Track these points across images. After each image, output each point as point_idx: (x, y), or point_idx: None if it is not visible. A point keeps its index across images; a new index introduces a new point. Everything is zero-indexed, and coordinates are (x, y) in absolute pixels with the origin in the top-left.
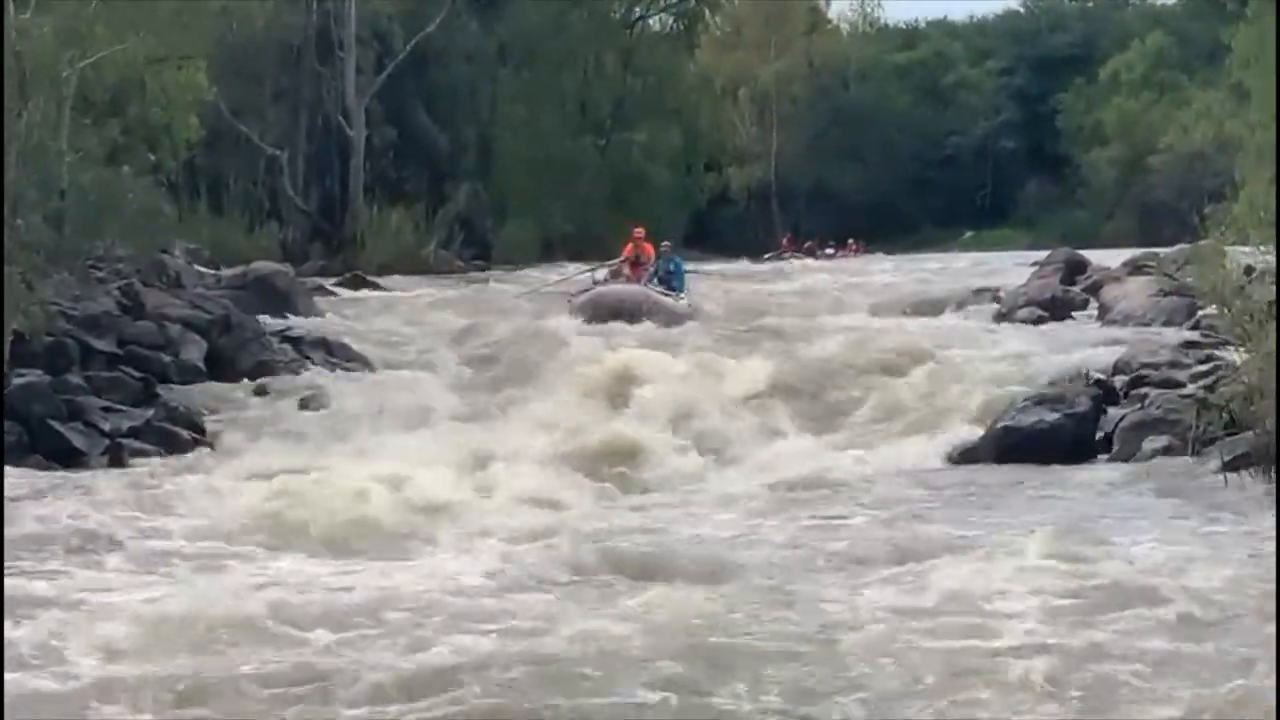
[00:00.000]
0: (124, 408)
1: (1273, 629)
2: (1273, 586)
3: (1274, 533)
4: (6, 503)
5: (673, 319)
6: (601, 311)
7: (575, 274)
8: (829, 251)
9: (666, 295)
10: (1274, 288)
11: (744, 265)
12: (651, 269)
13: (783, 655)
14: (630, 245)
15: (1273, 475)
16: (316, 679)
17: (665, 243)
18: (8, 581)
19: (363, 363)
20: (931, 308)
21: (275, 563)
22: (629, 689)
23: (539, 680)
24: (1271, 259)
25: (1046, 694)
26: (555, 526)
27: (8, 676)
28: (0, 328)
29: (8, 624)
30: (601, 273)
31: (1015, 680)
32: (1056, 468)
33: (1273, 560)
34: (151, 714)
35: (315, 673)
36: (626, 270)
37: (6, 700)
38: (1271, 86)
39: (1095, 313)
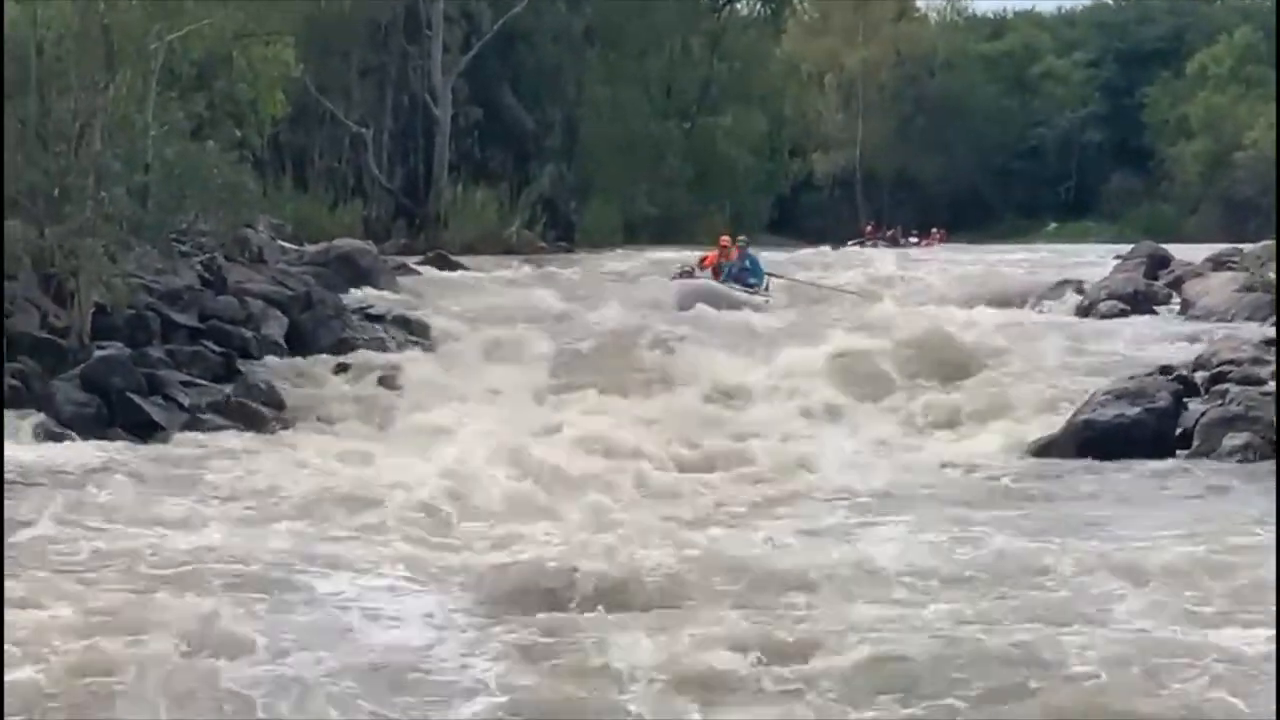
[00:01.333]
0: (204, 382)
1: None
2: None
3: None
4: (81, 471)
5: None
6: (691, 299)
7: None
8: (912, 240)
9: (745, 290)
10: None
11: (824, 252)
12: (729, 265)
13: (870, 655)
14: (715, 254)
15: None
16: (400, 664)
17: (741, 237)
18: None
19: (444, 342)
20: (1014, 299)
21: (349, 541)
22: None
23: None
24: None
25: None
26: (619, 519)
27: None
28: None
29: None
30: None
31: (1090, 686)
32: (1135, 462)
33: None
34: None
35: (400, 657)
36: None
37: (7, 702)
38: None
39: (1177, 307)
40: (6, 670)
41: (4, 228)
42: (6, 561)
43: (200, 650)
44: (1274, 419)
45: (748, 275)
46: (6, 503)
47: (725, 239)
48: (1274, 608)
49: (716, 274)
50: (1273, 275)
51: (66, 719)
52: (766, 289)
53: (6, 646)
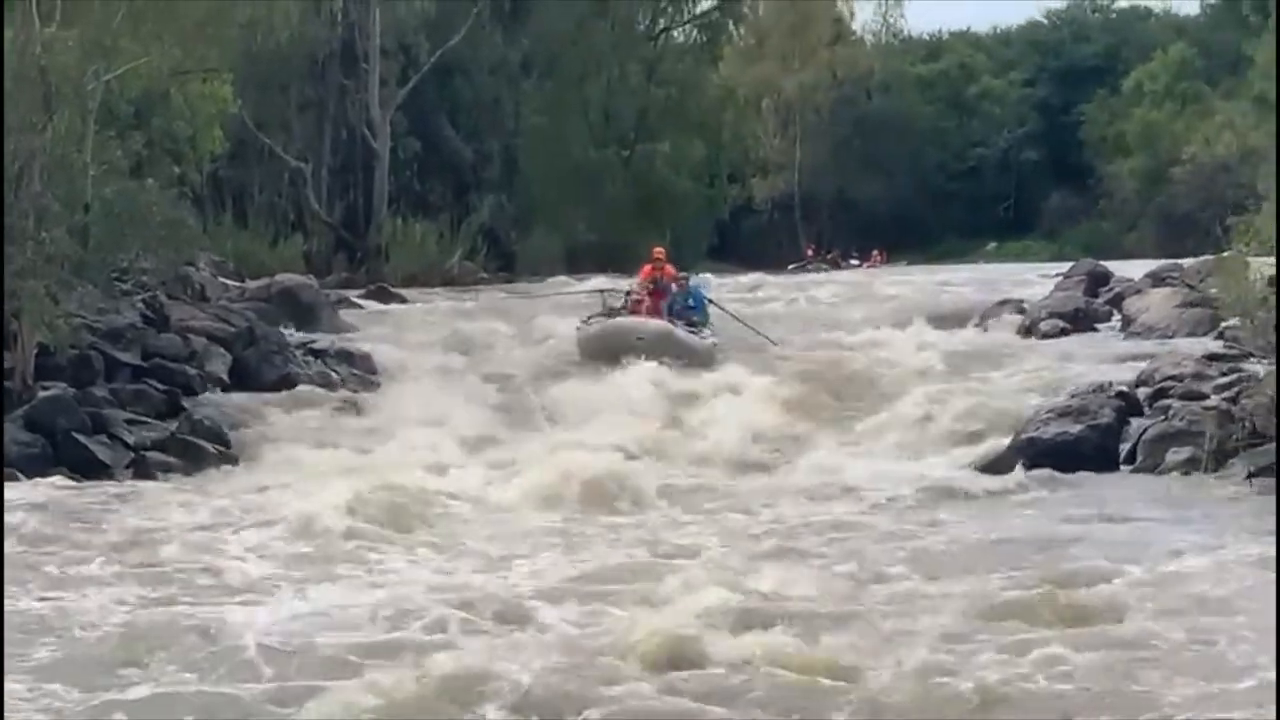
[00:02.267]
0: (149, 420)
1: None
2: None
3: None
4: (30, 513)
5: (695, 359)
6: (612, 347)
7: (593, 289)
8: (853, 262)
9: (689, 331)
10: None
11: (763, 277)
12: (670, 298)
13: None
14: (649, 267)
15: None
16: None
17: (683, 275)
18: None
19: (387, 374)
20: (955, 320)
21: (294, 572)
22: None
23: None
24: None
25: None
26: (568, 539)
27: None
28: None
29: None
30: (616, 298)
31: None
32: (1080, 477)
33: None
34: None
35: (348, 676)
36: (645, 298)
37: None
38: None
39: (1118, 324)
40: None
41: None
42: None
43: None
44: (1217, 434)
45: (692, 313)
46: None
47: (659, 250)
48: (1275, 615)
49: (656, 309)
50: (1213, 290)
51: None
52: (708, 326)
53: None
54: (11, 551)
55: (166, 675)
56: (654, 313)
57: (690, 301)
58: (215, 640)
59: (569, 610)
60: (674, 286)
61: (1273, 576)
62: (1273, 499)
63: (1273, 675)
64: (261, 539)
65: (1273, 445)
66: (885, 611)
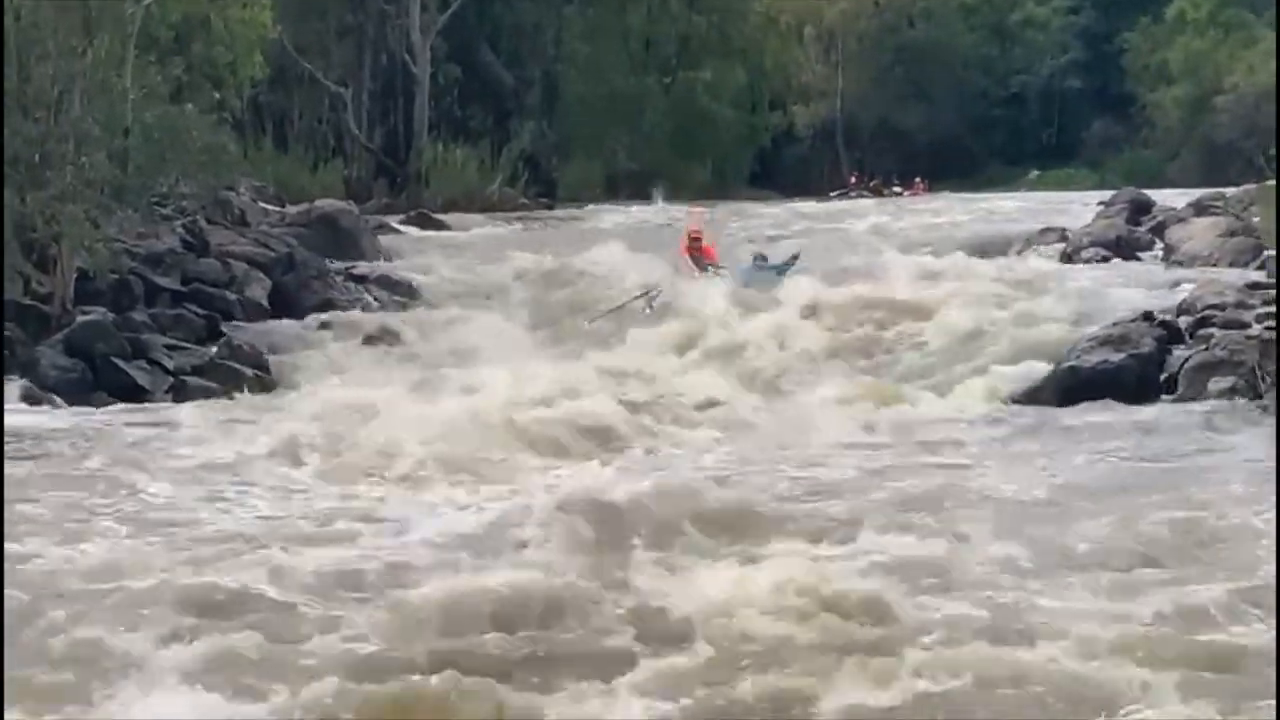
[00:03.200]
0: (188, 345)
1: None
2: None
3: None
4: (70, 437)
5: None
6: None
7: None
8: (896, 189)
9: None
10: None
11: (810, 205)
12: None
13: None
14: (686, 249)
15: None
16: (376, 613)
17: (758, 254)
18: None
19: (426, 300)
20: (997, 247)
21: (333, 499)
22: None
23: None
24: None
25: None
26: (605, 468)
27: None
28: None
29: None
30: (658, 296)
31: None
32: (1120, 407)
33: None
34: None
35: (376, 607)
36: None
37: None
38: None
39: (1161, 253)
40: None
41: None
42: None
43: (192, 607)
44: (1258, 363)
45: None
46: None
47: (695, 229)
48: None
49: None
50: (1255, 219)
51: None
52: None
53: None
54: (49, 476)
55: (208, 603)
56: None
57: (771, 274)
58: (223, 560)
59: (581, 539)
60: (713, 260)
61: None
62: None
63: None
64: (297, 464)
65: None
66: (917, 550)
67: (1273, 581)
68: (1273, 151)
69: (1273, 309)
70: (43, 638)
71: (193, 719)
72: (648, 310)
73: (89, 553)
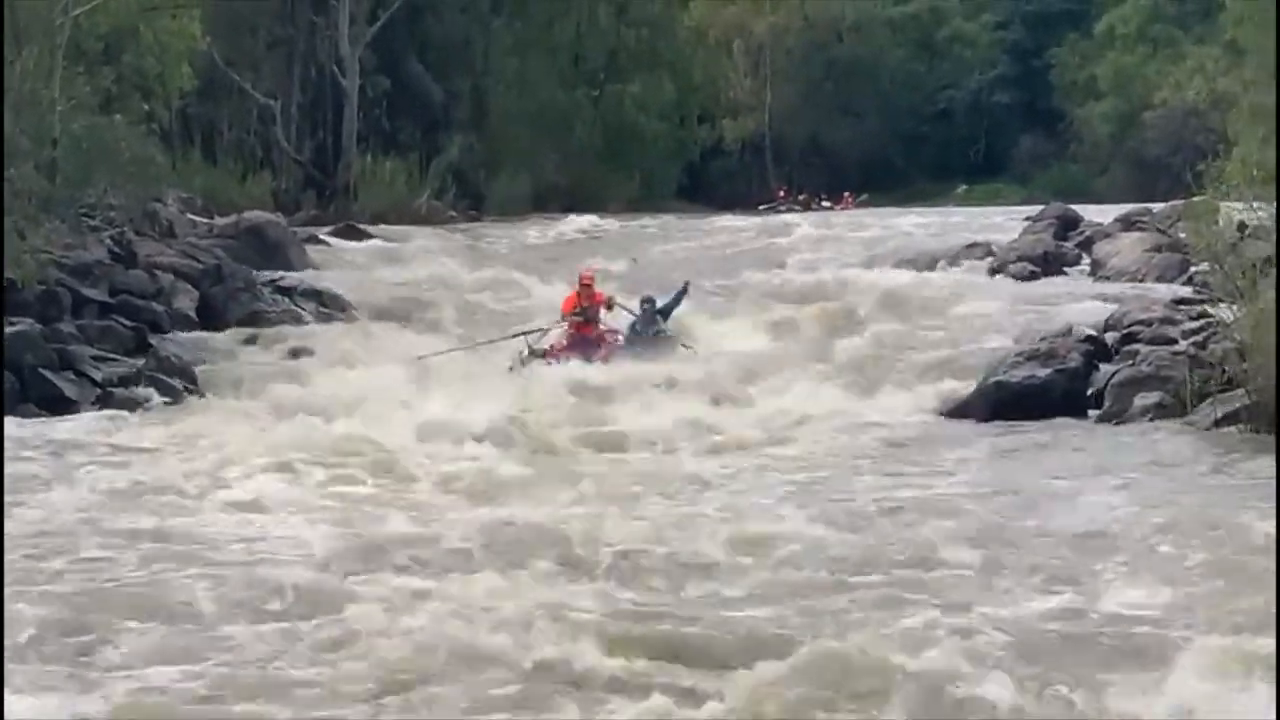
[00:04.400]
0: (116, 356)
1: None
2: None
3: (1273, 490)
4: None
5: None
6: None
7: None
8: (824, 204)
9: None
10: (1266, 244)
11: (732, 220)
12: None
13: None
14: (574, 295)
15: (1266, 430)
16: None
17: (647, 295)
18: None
19: (353, 313)
20: (924, 262)
21: (261, 509)
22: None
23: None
24: (1264, 215)
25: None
26: (529, 479)
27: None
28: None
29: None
30: (543, 338)
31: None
32: (1047, 423)
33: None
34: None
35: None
36: (571, 336)
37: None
38: (1268, 45)
39: (1088, 268)
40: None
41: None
42: None
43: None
44: (1186, 379)
45: (658, 326)
46: None
47: (588, 275)
48: (1274, 586)
49: (595, 341)
50: (1182, 234)
51: None
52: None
53: None
54: None
55: (131, 609)
56: (586, 348)
57: (658, 320)
58: (173, 571)
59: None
60: (603, 311)
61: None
62: (1242, 446)
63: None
64: (223, 475)
65: (1239, 392)
66: (824, 564)
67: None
68: (1200, 168)
69: (1199, 325)
70: None
71: None
72: (524, 352)
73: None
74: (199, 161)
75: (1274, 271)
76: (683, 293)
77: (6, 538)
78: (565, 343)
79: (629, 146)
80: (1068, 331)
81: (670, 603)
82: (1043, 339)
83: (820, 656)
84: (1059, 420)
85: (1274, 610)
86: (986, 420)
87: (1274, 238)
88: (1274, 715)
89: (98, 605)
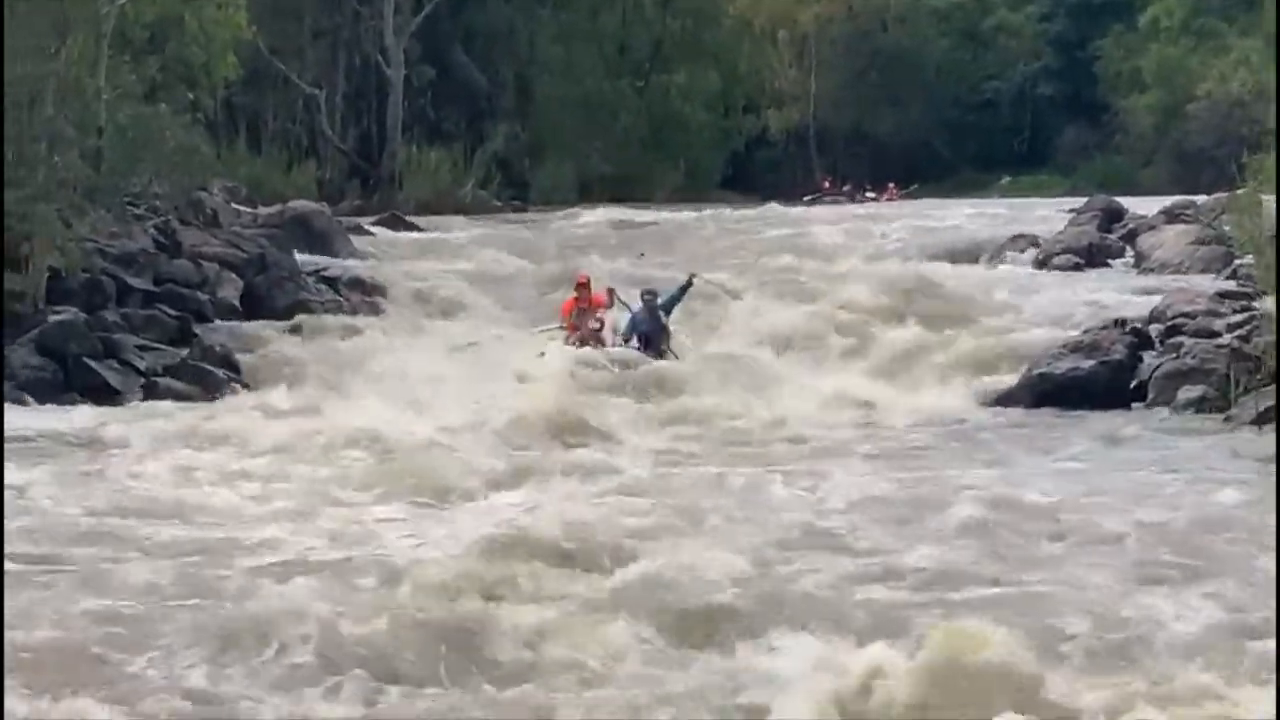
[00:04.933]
0: (160, 346)
1: None
2: None
3: None
4: (41, 438)
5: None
6: None
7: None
8: (868, 194)
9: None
10: None
11: (777, 208)
12: (634, 321)
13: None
14: (572, 299)
15: None
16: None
17: (649, 290)
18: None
19: (398, 302)
20: (968, 254)
21: (305, 500)
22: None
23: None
24: None
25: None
26: (586, 467)
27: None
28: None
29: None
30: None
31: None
32: (1090, 415)
33: None
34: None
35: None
36: (573, 338)
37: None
38: None
39: (1132, 260)
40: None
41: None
42: None
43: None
44: (1228, 372)
45: (659, 328)
46: None
47: (584, 275)
48: (1275, 569)
49: (585, 334)
50: (1226, 227)
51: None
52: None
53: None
54: (24, 477)
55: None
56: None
57: (660, 316)
58: (207, 563)
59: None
60: (601, 315)
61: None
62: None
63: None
64: (267, 465)
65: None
66: (875, 550)
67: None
68: (1244, 160)
69: (1243, 318)
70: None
71: None
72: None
73: (50, 553)
74: (244, 151)
75: None
76: (687, 286)
77: (41, 531)
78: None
79: (674, 136)
80: (1111, 324)
81: (729, 598)
82: (1086, 331)
83: (883, 645)
84: (1102, 412)
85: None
86: (1030, 411)
87: None
88: (1274, 715)
89: (141, 593)
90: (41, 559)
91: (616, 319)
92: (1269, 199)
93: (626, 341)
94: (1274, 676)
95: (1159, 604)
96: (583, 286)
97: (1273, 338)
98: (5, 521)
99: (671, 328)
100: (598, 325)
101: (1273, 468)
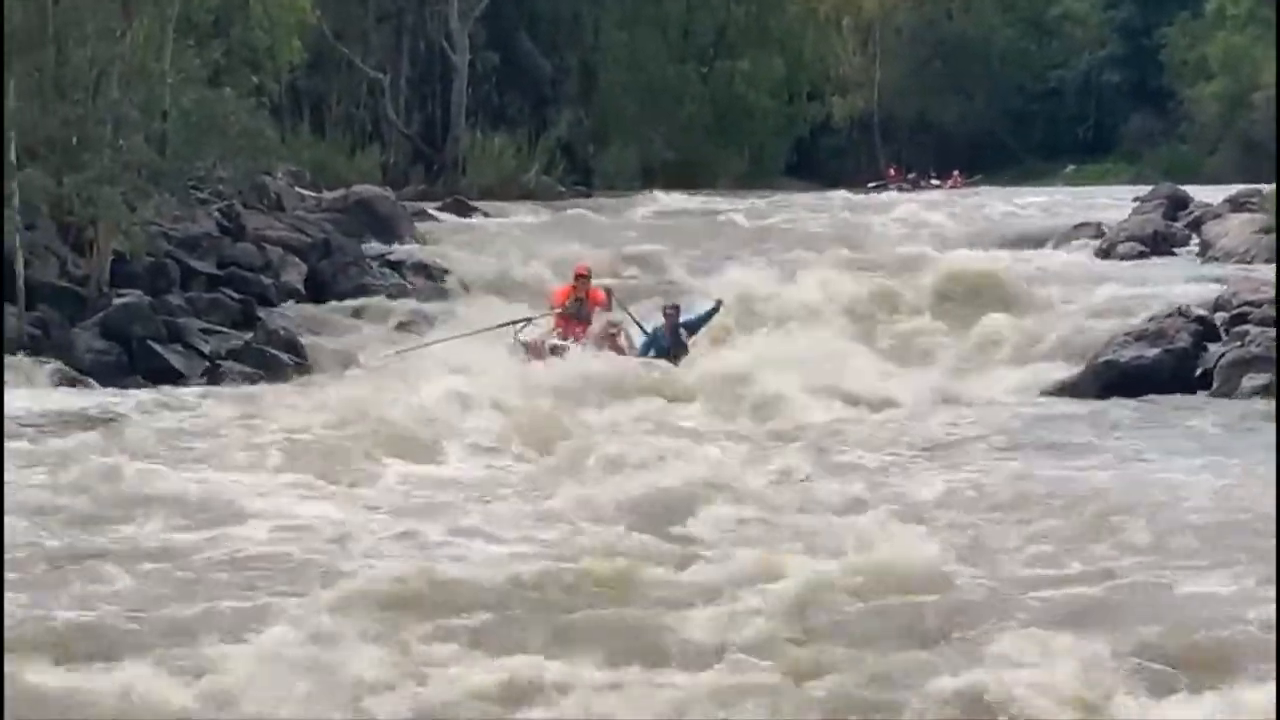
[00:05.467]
0: (224, 329)
1: None
2: None
3: None
4: (108, 418)
5: None
6: None
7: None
8: (933, 182)
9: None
10: None
11: (849, 195)
12: (651, 338)
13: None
14: (567, 287)
15: None
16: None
17: (672, 306)
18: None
19: (461, 287)
20: (1033, 242)
21: (366, 485)
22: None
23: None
24: None
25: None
26: (650, 453)
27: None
28: None
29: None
30: (532, 331)
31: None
32: (1155, 402)
33: None
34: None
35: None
36: (555, 329)
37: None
38: None
39: (1197, 249)
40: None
41: (19, 181)
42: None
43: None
44: None
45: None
46: (30, 447)
47: (583, 266)
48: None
49: (577, 331)
50: None
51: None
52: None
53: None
54: (87, 458)
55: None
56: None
57: (680, 334)
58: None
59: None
60: (604, 314)
61: None
62: None
63: None
64: (329, 448)
65: None
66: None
67: None
68: None
69: None
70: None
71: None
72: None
73: (117, 535)
74: (308, 135)
75: None
76: (714, 311)
77: (102, 514)
78: (552, 338)
79: (738, 123)
80: (1176, 312)
81: (790, 586)
82: (1151, 319)
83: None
84: (1167, 400)
85: None
86: (1094, 399)
87: None
88: (1275, 716)
89: (215, 566)
90: (97, 538)
91: (627, 331)
92: None
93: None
94: (1275, 675)
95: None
96: (581, 278)
97: None
98: (61, 501)
99: (692, 351)
100: (615, 331)
101: None
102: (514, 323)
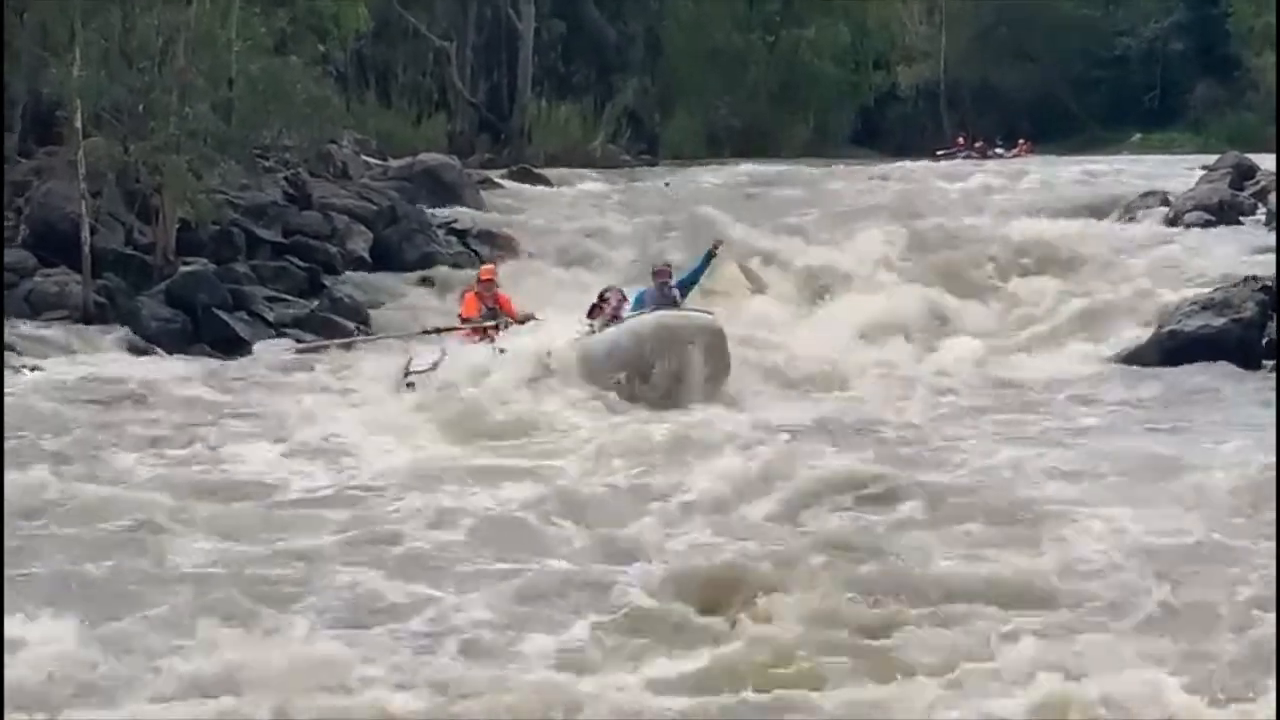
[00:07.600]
0: (289, 297)
1: None
2: None
3: None
4: (173, 387)
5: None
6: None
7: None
8: (999, 151)
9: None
10: None
11: (916, 164)
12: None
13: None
14: (475, 295)
15: None
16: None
17: (663, 264)
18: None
19: (528, 256)
20: (1099, 210)
21: (433, 454)
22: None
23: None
24: None
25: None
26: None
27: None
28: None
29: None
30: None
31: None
32: (1221, 371)
33: None
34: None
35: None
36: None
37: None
38: None
39: (1263, 218)
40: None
41: (85, 148)
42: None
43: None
44: None
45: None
46: (100, 413)
47: (487, 270)
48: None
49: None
50: None
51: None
52: None
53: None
54: (153, 424)
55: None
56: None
57: (674, 297)
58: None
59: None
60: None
61: None
62: None
63: None
64: (394, 416)
65: None
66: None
67: None
68: None
69: None
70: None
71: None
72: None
73: (184, 505)
74: (374, 103)
75: None
76: (710, 256)
77: (180, 483)
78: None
79: (803, 91)
80: (1243, 281)
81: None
82: (1217, 288)
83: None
84: (1232, 369)
85: None
86: (1159, 367)
87: None
88: (1275, 716)
89: (279, 532)
90: (164, 510)
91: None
92: None
93: None
94: (1275, 674)
95: None
96: (486, 283)
97: None
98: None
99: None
100: (616, 302)
101: None
102: (425, 332)
